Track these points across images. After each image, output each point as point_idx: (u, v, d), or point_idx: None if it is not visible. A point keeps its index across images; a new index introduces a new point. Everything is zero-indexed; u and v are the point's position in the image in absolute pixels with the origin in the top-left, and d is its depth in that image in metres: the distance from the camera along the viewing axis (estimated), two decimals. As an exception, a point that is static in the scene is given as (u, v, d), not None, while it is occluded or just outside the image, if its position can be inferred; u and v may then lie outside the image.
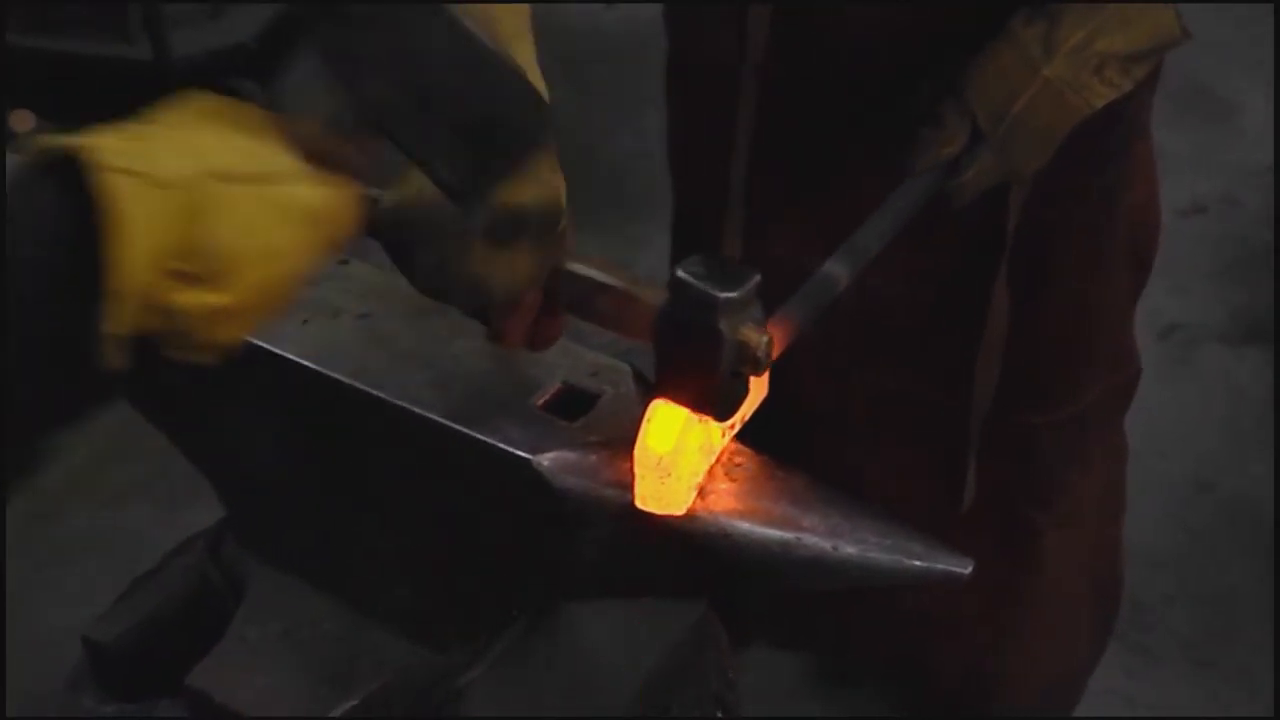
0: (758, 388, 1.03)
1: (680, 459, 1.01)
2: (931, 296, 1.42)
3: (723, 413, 1.00)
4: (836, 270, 1.11)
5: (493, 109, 0.85)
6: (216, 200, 0.79)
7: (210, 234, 0.79)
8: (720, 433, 1.05)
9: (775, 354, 1.03)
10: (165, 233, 0.77)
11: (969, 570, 1.01)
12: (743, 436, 1.08)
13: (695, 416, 1.00)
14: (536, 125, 0.87)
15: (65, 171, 0.78)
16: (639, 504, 1.03)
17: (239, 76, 2.64)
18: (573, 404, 1.11)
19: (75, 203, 0.77)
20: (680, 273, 0.96)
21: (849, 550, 1.01)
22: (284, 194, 0.81)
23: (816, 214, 1.35)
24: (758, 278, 0.97)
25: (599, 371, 1.12)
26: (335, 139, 0.84)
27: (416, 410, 1.10)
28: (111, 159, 0.77)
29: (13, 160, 0.77)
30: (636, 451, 1.01)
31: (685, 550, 1.04)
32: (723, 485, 1.04)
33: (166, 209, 0.77)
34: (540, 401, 1.11)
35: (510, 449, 1.07)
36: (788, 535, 1.02)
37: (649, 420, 1.01)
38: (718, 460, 1.05)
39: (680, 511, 1.02)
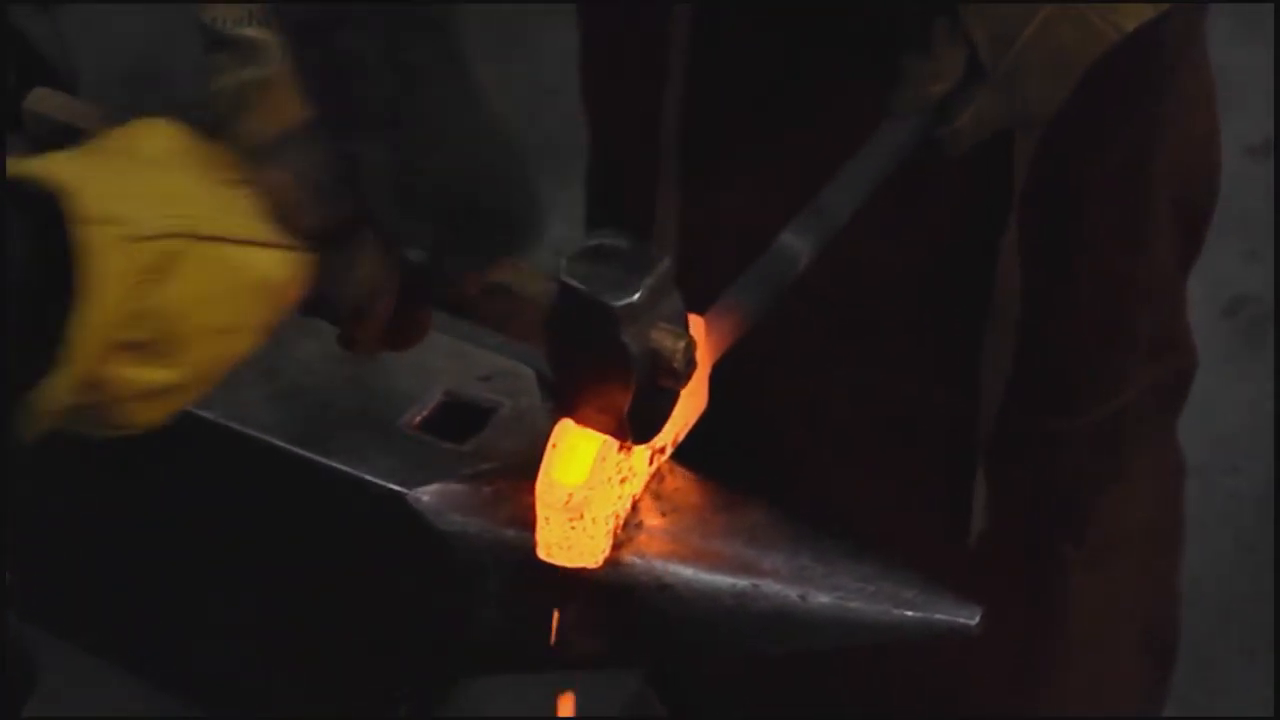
0: (692, 397, 1.04)
1: (595, 495, 1.02)
2: (922, 271, 1.42)
3: (641, 435, 1.01)
4: (796, 242, 1.12)
5: (493, 203, 0.95)
6: (182, 261, 0.87)
7: (169, 300, 0.87)
8: (648, 457, 1.06)
9: (717, 353, 1.04)
10: (128, 297, 0.86)
11: (977, 620, 1.03)
12: (682, 456, 1.09)
13: (612, 440, 1.01)
14: (530, 225, 0.97)
15: (38, 211, 0.86)
16: (543, 555, 1.04)
17: (15, -1, 2.63)
18: (460, 421, 1.11)
19: (46, 252, 0.85)
20: (565, 276, 0.97)
21: (822, 599, 1.03)
22: (246, 259, 0.90)
23: (774, 163, 1.36)
24: (667, 263, 0.98)
25: (493, 376, 1.13)
26: (306, 198, 0.92)
27: (254, 434, 1.11)
28: (93, 206, 0.85)
29: None
30: (539, 487, 1.02)
31: (610, 608, 1.05)
32: (655, 521, 1.06)
33: (136, 267, 0.86)
34: (417, 419, 1.11)
35: (378, 481, 1.08)
36: (743, 583, 1.03)
37: (555, 445, 1.02)
38: (646, 489, 1.07)
39: (595, 563, 1.04)
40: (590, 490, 1.01)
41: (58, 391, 0.85)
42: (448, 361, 1.13)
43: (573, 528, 1.03)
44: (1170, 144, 1.42)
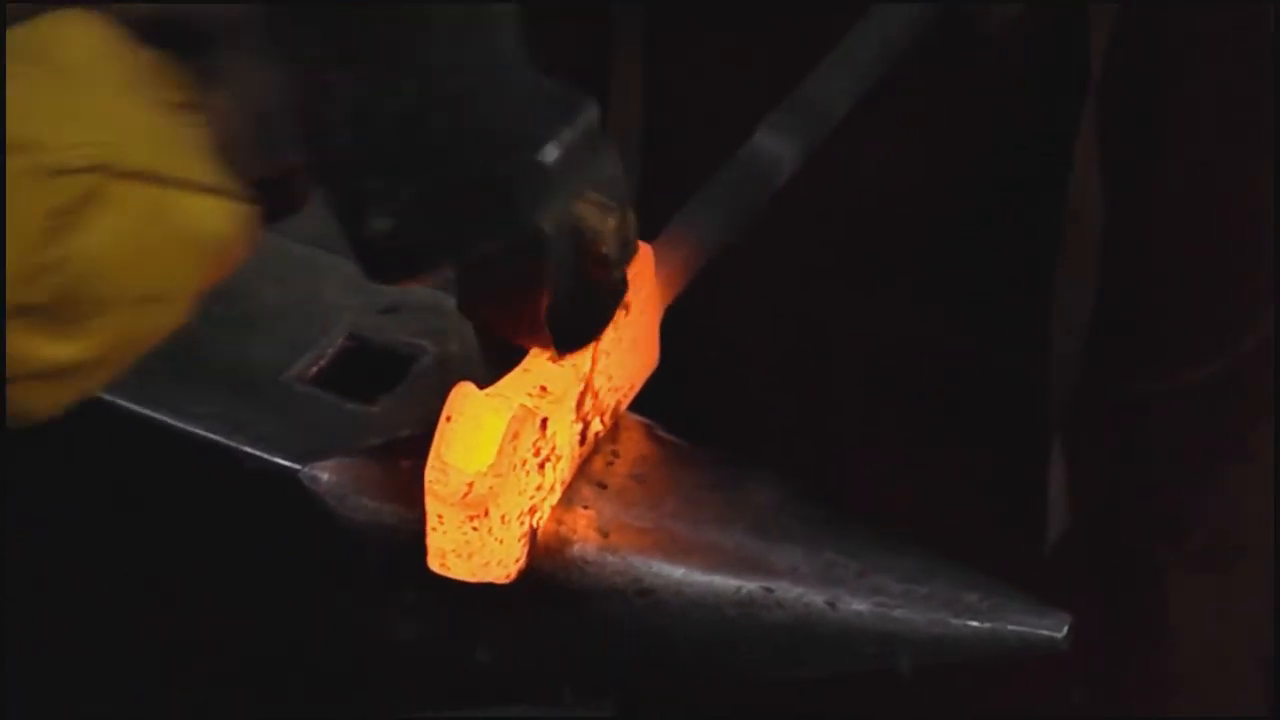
0: (638, 352, 1.03)
1: (505, 485, 0.98)
2: (964, 185, 1.39)
3: (566, 343, 0.99)
4: (774, 144, 1.11)
5: (492, 167, 0.92)
6: (101, 203, 0.85)
7: (81, 254, 0.85)
8: (578, 433, 1.02)
9: (673, 291, 1.03)
10: (33, 247, 0.84)
11: (1065, 633, 0.99)
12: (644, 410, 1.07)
13: (533, 406, 0.98)
14: (532, 203, 0.94)
15: None
16: (434, 566, 0.99)
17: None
18: (368, 373, 1.09)
19: None
20: None
21: (857, 607, 0.99)
22: (181, 206, 0.87)
23: (756, 46, 1.33)
24: (594, 109, 0.94)
25: (405, 309, 1.10)
26: (254, 133, 0.89)
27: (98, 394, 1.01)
28: (14, 124, 0.84)
29: None
30: (429, 474, 0.98)
31: (571, 620, 1.03)
32: (626, 503, 1.03)
33: (45, 209, 0.83)
34: (312, 371, 1.09)
35: (261, 454, 1.05)
36: (750, 585, 1.00)
37: (449, 419, 0.98)
38: (617, 457, 1.04)
39: (504, 577, 0.99)
40: (497, 478, 0.97)
41: None
42: (350, 294, 1.11)
43: (474, 529, 0.98)
44: None
